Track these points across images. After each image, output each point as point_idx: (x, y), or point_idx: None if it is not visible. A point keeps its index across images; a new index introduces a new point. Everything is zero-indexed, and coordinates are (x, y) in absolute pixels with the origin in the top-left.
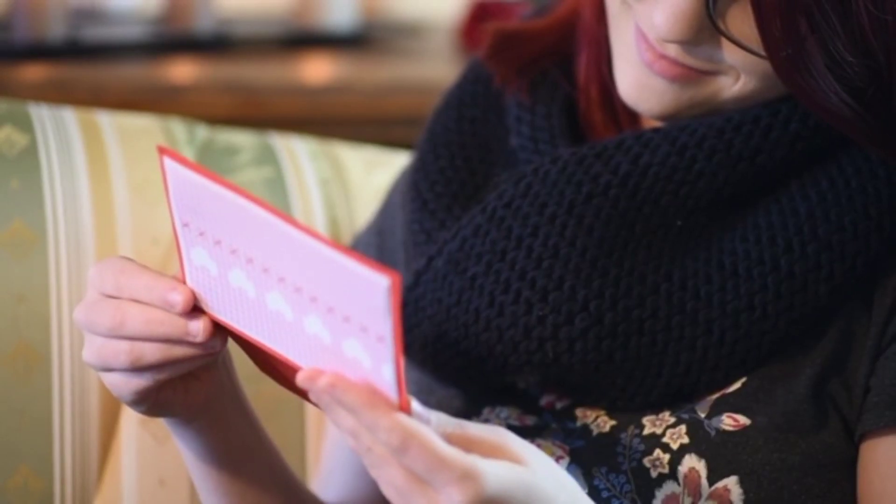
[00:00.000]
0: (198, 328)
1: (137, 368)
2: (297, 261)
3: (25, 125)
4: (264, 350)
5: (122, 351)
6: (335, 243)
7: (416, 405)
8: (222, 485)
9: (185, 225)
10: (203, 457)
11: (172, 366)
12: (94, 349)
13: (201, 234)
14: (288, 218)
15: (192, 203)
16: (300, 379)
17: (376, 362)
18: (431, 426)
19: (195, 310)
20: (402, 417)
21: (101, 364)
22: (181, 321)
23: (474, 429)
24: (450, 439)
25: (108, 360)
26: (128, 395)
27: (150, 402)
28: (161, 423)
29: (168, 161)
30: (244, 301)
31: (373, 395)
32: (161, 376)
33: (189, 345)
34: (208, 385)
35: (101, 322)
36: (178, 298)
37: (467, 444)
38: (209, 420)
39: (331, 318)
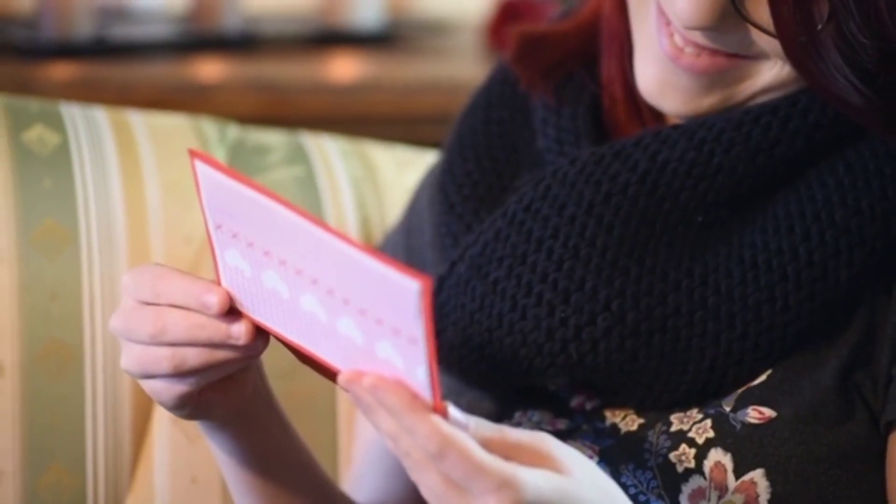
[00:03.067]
0: (240, 331)
1: (180, 374)
2: (328, 263)
3: (57, 125)
4: (301, 350)
5: (163, 357)
6: (365, 246)
7: (454, 410)
8: (256, 487)
9: (218, 227)
10: (238, 460)
11: (214, 369)
12: (134, 357)
13: (234, 235)
14: (318, 221)
15: (224, 205)
16: (342, 380)
17: (410, 364)
18: (469, 432)
19: (233, 311)
20: (441, 423)
21: (141, 372)
22: (223, 325)
23: (515, 434)
24: (489, 445)
25: (148, 368)
26: (170, 400)
27: (192, 406)
28: (193, 422)
29: (199, 164)
30: (278, 302)
31: (413, 398)
32: (203, 380)
33: (231, 348)
34: (245, 387)
35: (142, 329)
36: (214, 300)
37: (507, 451)
38: (244, 422)
39: (363, 321)
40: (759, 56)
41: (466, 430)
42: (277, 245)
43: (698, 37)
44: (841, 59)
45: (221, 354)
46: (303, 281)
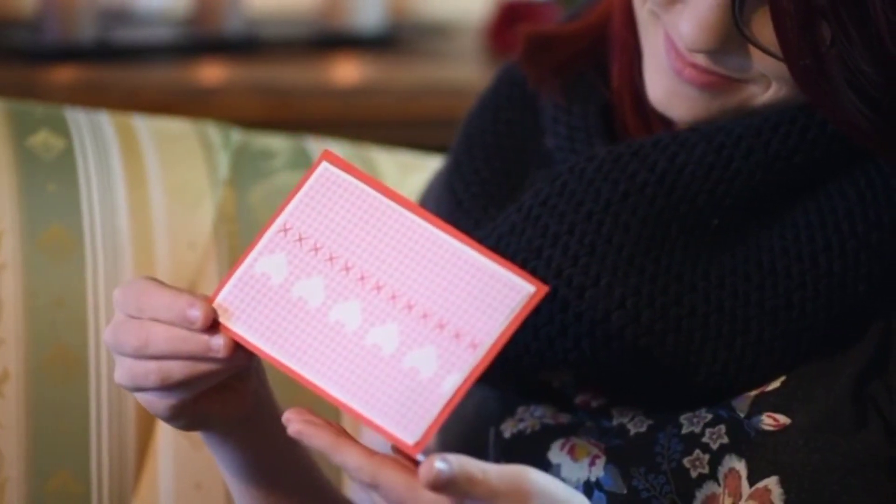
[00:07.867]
0: (219, 344)
1: (167, 387)
2: (421, 264)
3: (62, 129)
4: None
5: (150, 371)
6: (480, 246)
7: (439, 463)
8: (260, 496)
9: (285, 230)
10: (241, 469)
11: (200, 381)
12: (125, 370)
13: (299, 239)
14: (434, 220)
15: (323, 206)
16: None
17: (444, 370)
18: (455, 475)
19: (217, 325)
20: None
21: (132, 385)
22: (203, 338)
23: (495, 473)
24: (475, 488)
25: (138, 381)
26: (164, 412)
27: (188, 417)
28: None
29: (326, 165)
30: (298, 311)
31: (338, 434)
32: (191, 392)
33: (213, 360)
34: (244, 396)
35: (128, 342)
36: (197, 314)
37: (490, 494)
38: (246, 432)
39: (419, 325)
40: (758, 79)
41: (452, 475)
42: (357, 250)
43: (701, 59)
44: (845, 83)
45: (205, 366)
46: (360, 288)
